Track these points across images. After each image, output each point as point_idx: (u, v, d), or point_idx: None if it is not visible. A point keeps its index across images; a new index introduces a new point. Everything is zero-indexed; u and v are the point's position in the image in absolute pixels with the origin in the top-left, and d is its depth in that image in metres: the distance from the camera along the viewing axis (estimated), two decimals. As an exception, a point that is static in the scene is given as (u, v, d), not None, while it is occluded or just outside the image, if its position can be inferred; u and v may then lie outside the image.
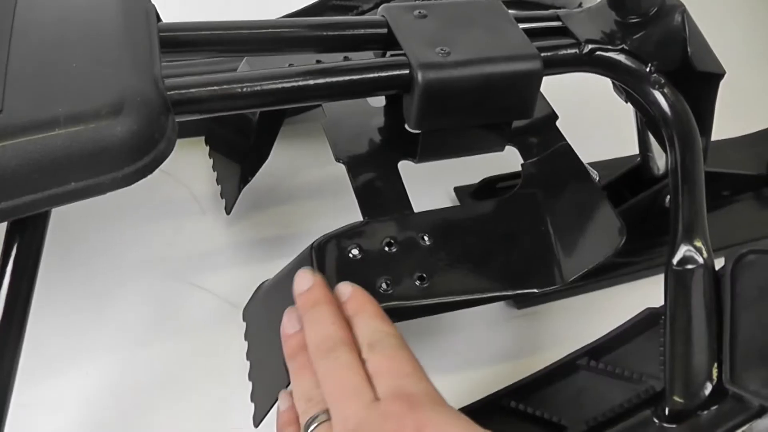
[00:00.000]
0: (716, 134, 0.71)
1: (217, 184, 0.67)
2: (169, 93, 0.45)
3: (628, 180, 0.67)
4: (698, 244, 0.49)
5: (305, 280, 0.45)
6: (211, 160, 0.69)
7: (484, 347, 0.60)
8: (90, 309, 0.60)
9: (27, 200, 0.40)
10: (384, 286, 0.48)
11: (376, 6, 0.78)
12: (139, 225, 0.66)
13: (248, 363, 0.51)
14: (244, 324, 0.53)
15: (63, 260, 0.63)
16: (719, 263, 0.50)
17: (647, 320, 0.51)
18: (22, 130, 0.39)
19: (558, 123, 0.61)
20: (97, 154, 0.40)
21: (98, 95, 0.41)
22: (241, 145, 0.64)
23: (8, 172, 0.39)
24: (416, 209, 0.54)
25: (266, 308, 0.52)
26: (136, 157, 0.41)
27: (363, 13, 0.78)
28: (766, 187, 0.73)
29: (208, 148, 0.69)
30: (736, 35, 0.95)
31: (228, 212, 0.65)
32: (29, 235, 0.44)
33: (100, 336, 0.58)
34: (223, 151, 0.68)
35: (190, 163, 0.70)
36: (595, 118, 0.73)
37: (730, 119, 0.73)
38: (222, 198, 0.66)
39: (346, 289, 0.44)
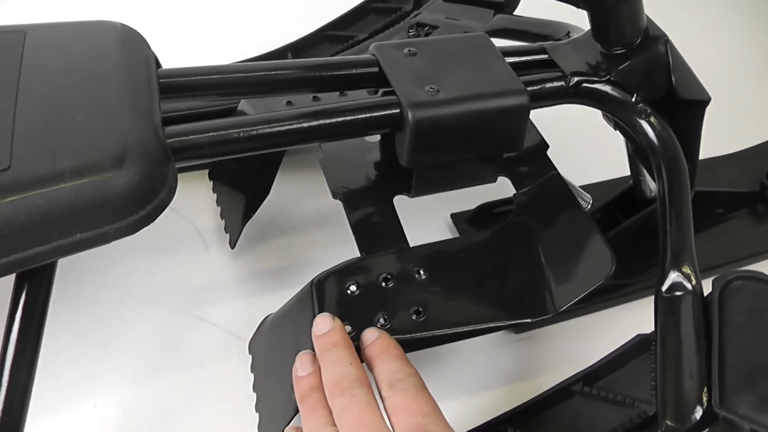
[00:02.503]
0: (708, 151, 0.72)
1: (221, 218, 0.69)
2: (169, 141, 0.47)
3: (622, 202, 0.68)
4: (686, 270, 0.50)
5: (325, 324, 0.47)
6: (215, 195, 0.71)
7: (483, 372, 0.61)
8: (97, 344, 0.62)
9: (35, 252, 0.42)
10: (382, 321, 0.49)
11: (371, 36, 0.80)
12: (143, 260, 0.67)
13: (254, 395, 0.52)
14: (250, 356, 0.55)
15: (69, 296, 0.64)
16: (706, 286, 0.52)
17: (638, 346, 0.52)
18: (30, 185, 0.41)
19: (552, 144, 0.62)
20: (101, 206, 0.42)
21: (101, 148, 0.43)
22: (244, 176, 0.66)
23: (17, 226, 0.41)
24: (414, 236, 0.56)
25: (271, 341, 0.53)
26: (139, 207, 0.43)
27: (358, 43, 0.80)
28: (761, 203, 0.74)
29: (211, 182, 0.71)
30: (727, 52, 0.96)
31: (232, 246, 0.67)
32: (37, 281, 0.46)
33: (108, 370, 0.60)
34: (227, 184, 0.70)
35: (194, 197, 0.71)
36: (588, 140, 0.74)
37: (722, 136, 0.74)
38: (226, 233, 0.68)
39: (372, 333, 0.47)
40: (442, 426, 0.41)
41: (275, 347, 0.53)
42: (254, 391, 0.53)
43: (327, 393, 0.44)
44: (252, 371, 0.54)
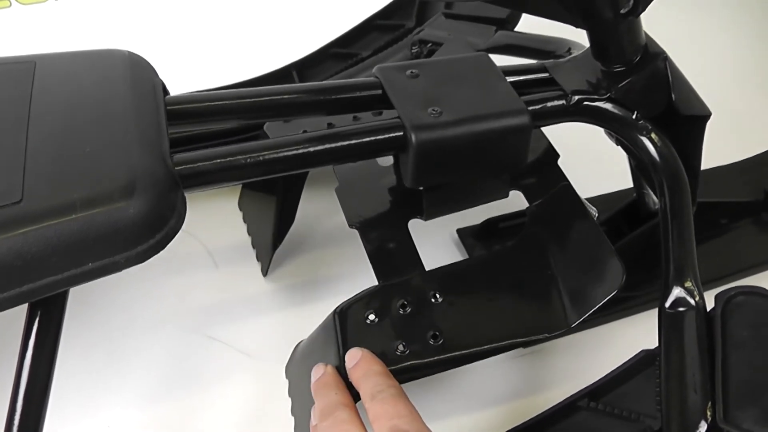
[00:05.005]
0: (711, 161, 0.72)
1: (253, 248, 0.71)
2: (177, 168, 0.47)
3: (626, 214, 0.69)
4: (689, 286, 0.51)
5: (318, 370, 0.50)
6: (246, 224, 0.73)
7: (492, 387, 0.62)
8: (110, 365, 0.63)
9: (47, 282, 0.43)
10: (401, 348, 0.50)
11: (375, 53, 0.81)
12: (154, 281, 0.69)
13: (293, 418, 0.54)
14: (287, 381, 0.56)
15: (81, 318, 0.65)
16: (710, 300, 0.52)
17: (643, 361, 0.52)
18: (42, 216, 0.42)
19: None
20: (112, 235, 0.43)
21: (111, 178, 0.44)
22: (271, 206, 0.67)
23: (29, 257, 0.42)
24: (421, 251, 0.56)
25: (302, 368, 0.55)
26: (149, 236, 0.44)
27: (362, 60, 0.81)
28: (765, 212, 0.75)
29: (242, 213, 0.74)
30: (729, 61, 0.97)
31: (264, 274, 0.69)
32: (50, 309, 0.46)
33: (121, 391, 0.61)
34: (255, 214, 0.72)
35: (203, 218, 0.72)
36: (591, 152, 0.74)
37: (725, 145, 0.75)
38: (258, 261, 0.70)
39: (356, 354, 0.49)
40: (416, 425, 0.43)
41: (305, 374, 0.54)
42: (292, 414, 0.54)
43: (317, 422, 0.46)
44: (289, 395, 0.55)
